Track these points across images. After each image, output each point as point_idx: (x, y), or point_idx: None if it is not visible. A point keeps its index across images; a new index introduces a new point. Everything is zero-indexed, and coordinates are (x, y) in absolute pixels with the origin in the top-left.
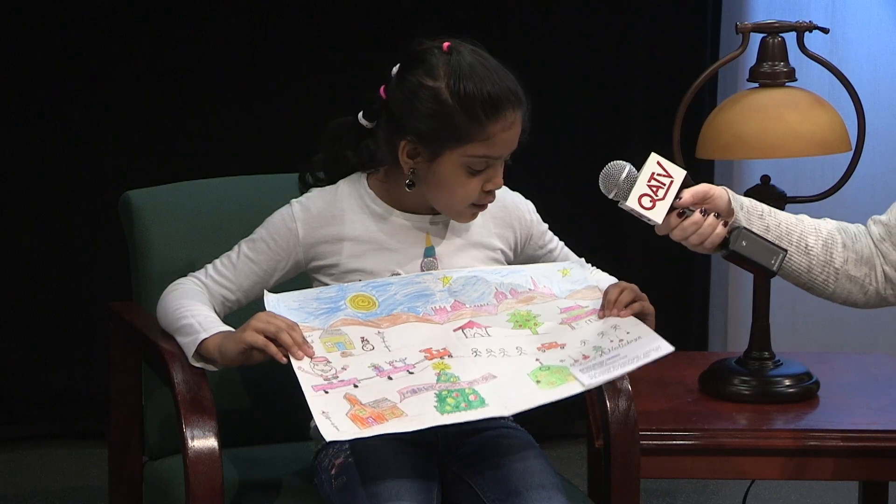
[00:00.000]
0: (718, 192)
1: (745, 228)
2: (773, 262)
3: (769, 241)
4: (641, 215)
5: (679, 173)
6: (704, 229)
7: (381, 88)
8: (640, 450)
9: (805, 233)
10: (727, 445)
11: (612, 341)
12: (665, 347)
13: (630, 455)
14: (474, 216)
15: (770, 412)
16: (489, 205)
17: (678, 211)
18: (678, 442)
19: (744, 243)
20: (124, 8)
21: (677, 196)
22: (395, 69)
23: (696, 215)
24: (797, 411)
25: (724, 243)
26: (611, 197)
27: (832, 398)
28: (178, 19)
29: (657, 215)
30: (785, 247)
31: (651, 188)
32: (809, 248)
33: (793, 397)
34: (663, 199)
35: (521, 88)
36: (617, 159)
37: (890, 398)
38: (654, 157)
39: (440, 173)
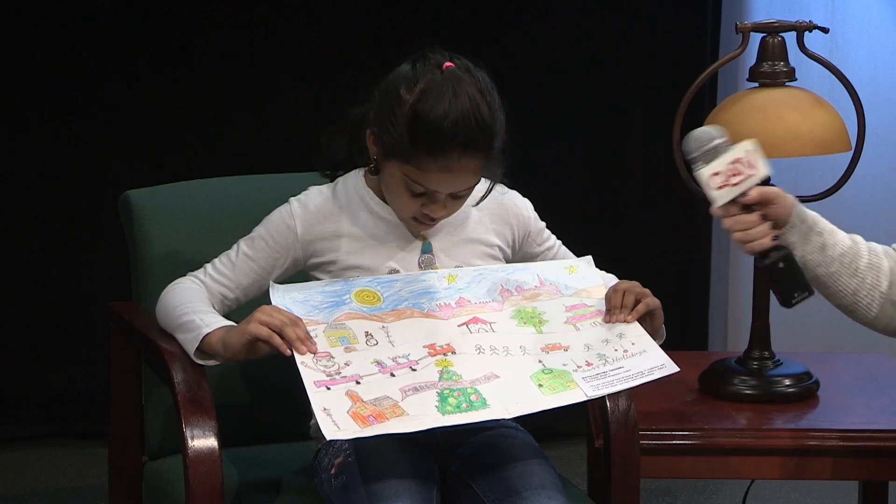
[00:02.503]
0: (785, 200)
1: (789, 253)
2: (794, 296)
3: (803, 278)
4: (705, 190)
5: (762, 172)
6: (752, 233)
7: None
8: (640, 450)
9: (858, 254)
10: (727, 445)
11: (616, 350)
12: (670, 367)
13: (630, 455)
14: (420, 229)
15: (770, 412)
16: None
17: (741, 203)
18: (678, 442)
19: (780, 265)
20: (124, 8)
21: (747, 191)
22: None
23: (754, 216)
24: (797, 411)
25: (766, 253)
26: (688, 158)
27: (832, 398)
28: (179, 19)
29: (719, 198)
30: (830, 278)
31: (728, 171)
32: (859, 270)
33: (793, 397)
34: (733, 186)
35: (491, 139)
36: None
37: (890, 398)
38: (748, 145)
39: (386, 176)
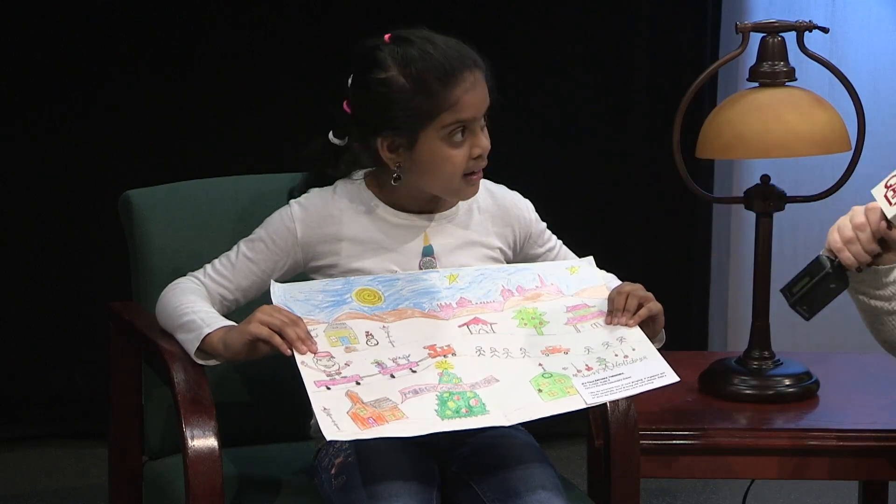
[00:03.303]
0: None
1: (847, 285)
2: (803, 308)
3: (821, 305)
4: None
5: None
6: (857, 246)
7: (344, 103)
8: (640, 450)
9: None
10: (727, 445)
11: (616, 355)
12: (670, 376)
13: (630, 455)
14: (474, 187)
15: (770, 412)
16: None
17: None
18: (678, 442)
19: (832, 286)
20: (125, 8)
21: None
22: (349, 80)
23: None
24: (797, 411)
25: (839, 266)
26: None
27: (832, 398)
28: (179, 19)
29: (887, 210)
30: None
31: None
32: None
33: (793, 397)
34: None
35: (473, 52)
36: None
37: (890, 398)
38: None
39: (424, 156)
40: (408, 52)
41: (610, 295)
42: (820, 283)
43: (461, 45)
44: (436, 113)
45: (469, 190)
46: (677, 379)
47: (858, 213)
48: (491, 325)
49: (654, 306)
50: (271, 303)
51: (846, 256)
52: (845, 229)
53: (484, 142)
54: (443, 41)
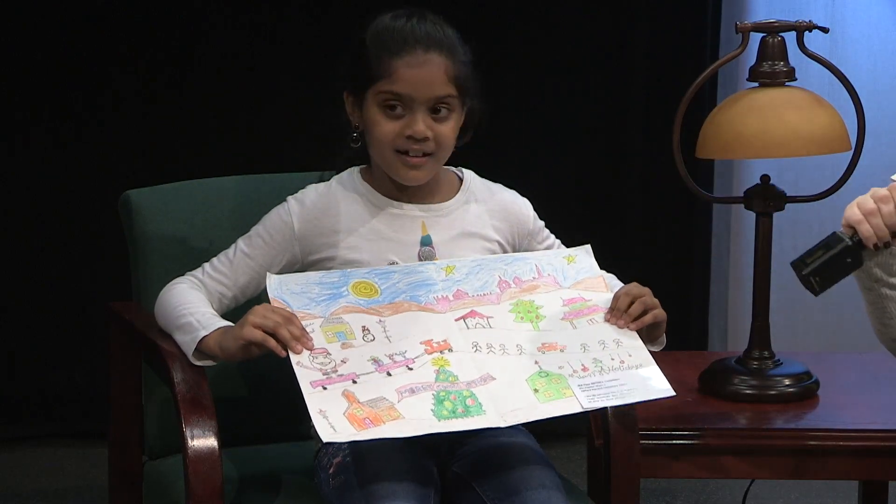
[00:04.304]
0: None
1: (862, 263)
2: (815, 280)
3: (832, 282)
4: None
5: None
6: (878, 219)
7: None
8: (640, 450)
9: None
10: (727, 445)
11: (612, 359)
12: (666, 390)
13: (630, 455)
14: (412, 172)
15: (770, 412)
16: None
17: None
18: (678, 442)
19: (848, 260)
20: (124, 8)
21: None
22: None
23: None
24: (797, 411)
25: (859, 241)
26: None
27: (832, 398)
28: (179, 19)
29: None
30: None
31: None
32: None
33: (793, 397)
34: None
35: (450, 39)
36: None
37: (890, 398)
38: None
39: (366, 118)
40: (384, 17)
41: (617, 293)
42: (837, 256)
43: (441, 31)
44: (375, 78)
45: (405, 171)
46: (673, 393)
47: (879, 190)
48: (487, 318)
49: (660, 314)
50: (268, 297)
51: (865, 229)
52: (866, 203)
53: (419, 126)
54: (426, 17)
